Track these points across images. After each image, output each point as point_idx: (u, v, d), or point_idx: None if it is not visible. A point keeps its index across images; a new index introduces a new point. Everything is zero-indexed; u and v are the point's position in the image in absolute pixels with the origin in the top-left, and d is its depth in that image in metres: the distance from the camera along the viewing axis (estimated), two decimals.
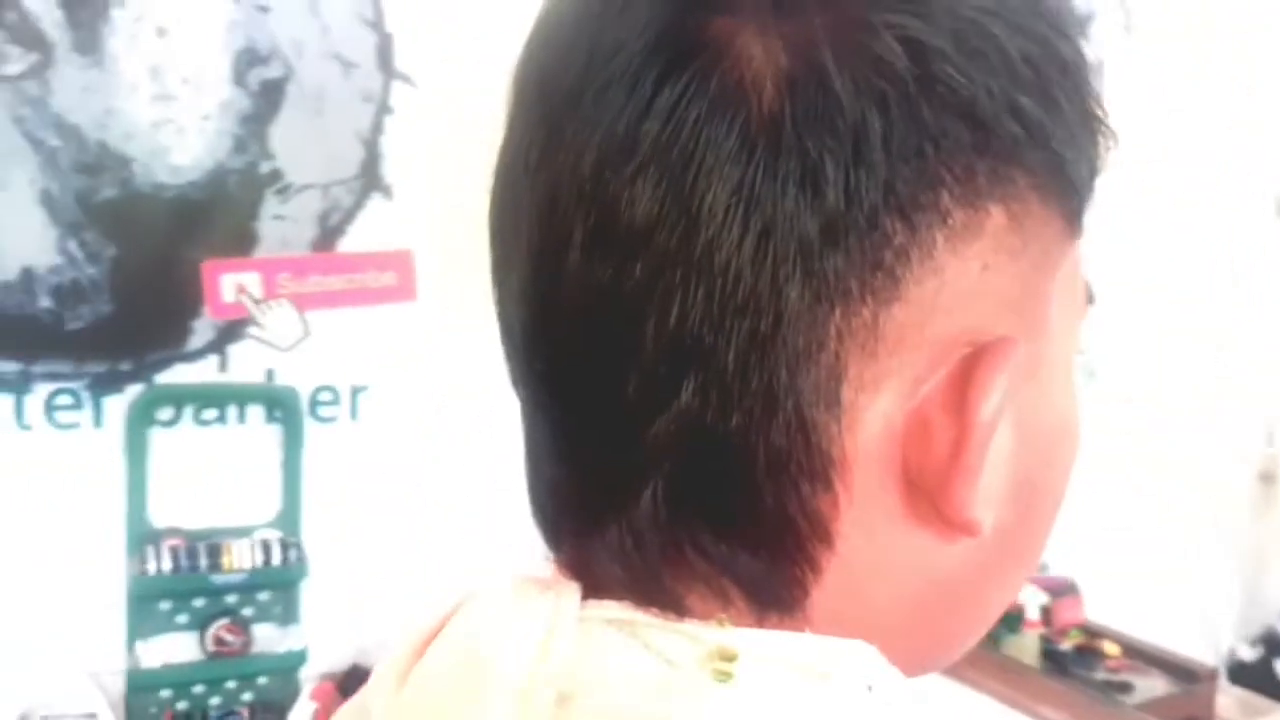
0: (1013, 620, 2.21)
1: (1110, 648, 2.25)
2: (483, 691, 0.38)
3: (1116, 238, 2.17)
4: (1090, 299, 0.47)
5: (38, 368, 1.85)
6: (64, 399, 1.87)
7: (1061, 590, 2.33)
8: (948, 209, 0.36)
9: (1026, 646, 2.17)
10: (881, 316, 0.36)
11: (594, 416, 0.39)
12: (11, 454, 1.83)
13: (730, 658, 0.37)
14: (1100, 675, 2.19)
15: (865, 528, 0.38)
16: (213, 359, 1.96)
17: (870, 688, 0.38)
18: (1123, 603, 2.35)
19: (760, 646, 0.37)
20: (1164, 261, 2.51)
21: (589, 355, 0.38)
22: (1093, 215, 0.42)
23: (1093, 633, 2.29)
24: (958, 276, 0.37)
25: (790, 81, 0.35)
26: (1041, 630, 2.20)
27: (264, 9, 1.93)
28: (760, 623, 0.39)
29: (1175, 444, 2.48)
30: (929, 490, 0.38)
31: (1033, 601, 2.19)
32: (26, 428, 1.85)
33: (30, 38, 1.78)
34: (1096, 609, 2.33)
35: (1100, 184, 0.44)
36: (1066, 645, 2.25)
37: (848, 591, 0.39)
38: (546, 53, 0.40)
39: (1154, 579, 2.40)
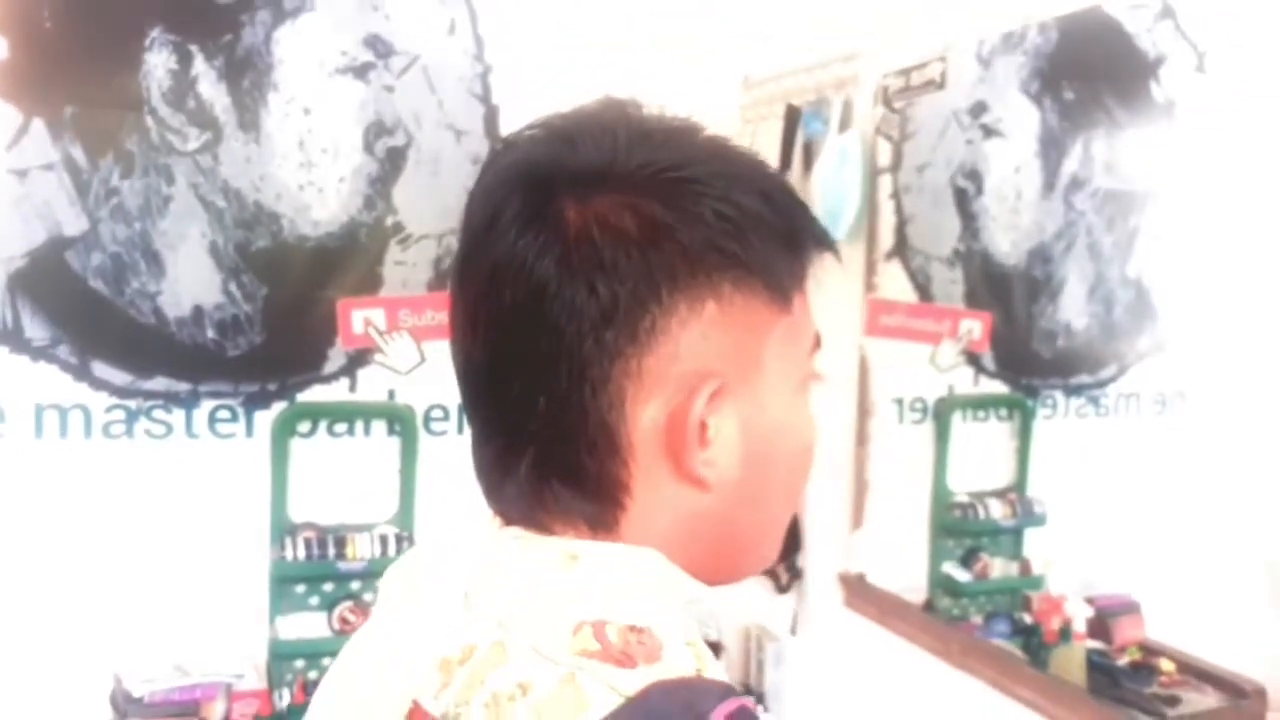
0: (1066, 632, 2.24)
1: (1166, 664, 2.25)
2: (435, 578, 0.65)
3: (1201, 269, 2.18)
4: (818, 344, 0.67)
5: (204, 387, 2.14)
6: (223, 414, 2.16)
7: (1123, 609, 2.34)
8: (676, 305, 0.60)
9: (1073, 657, 2.21)
10: (642, 363, 0.60)
11: (493, 422, 0.64)
12: (182, 458, 2.12)
13: (575, 556, 0.61)
14: (1151, 690, 2.19)
15: (650, 484, 0.62)
16: (344, 381, 2.22)
17: (662, 578, 0.61)
18: (1188, 623, 2.33)
19: (592, 550, 0.61)
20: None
21: (489, 387, 0.63)
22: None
23: (1152, 650, 2.29)
24: (688, 341, 0.60)
25: (580, 238, 0.59)
26: (1088, 643, 2.23)
27: (389, 88, 2.21)
28: (594, 538, 0.62)
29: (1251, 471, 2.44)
30: (680, 460, 0.61)
31: (1080, 615, 2.22)
32: (195, 436, 2.14)
33: (204, 120, 2.09)
34: (1163, 629, 2.33)
35: None
36: (1123, 661, 2.26)
37: (644, 521, 0.62)
38: (469, 214, 0.64)
39: (1218, 600, 2.37)
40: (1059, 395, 2.32)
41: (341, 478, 2.22)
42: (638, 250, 0.59)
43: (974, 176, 2.31)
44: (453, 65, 2.23)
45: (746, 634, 2.33)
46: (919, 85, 1.93)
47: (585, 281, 0.59)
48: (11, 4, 1.91)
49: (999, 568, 2.37)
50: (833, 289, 1.86)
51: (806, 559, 2.21)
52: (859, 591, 2.07)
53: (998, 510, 2.33)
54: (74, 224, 2.03)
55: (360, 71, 2.18)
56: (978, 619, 2.34)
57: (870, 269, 2.05)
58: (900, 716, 2.02)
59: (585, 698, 0.54)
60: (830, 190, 2.04)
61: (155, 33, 2.04)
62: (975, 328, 2.35)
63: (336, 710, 0.67)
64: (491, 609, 0.60)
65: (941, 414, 2.37)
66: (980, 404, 2.34)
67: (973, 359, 2.35)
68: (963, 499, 2.35)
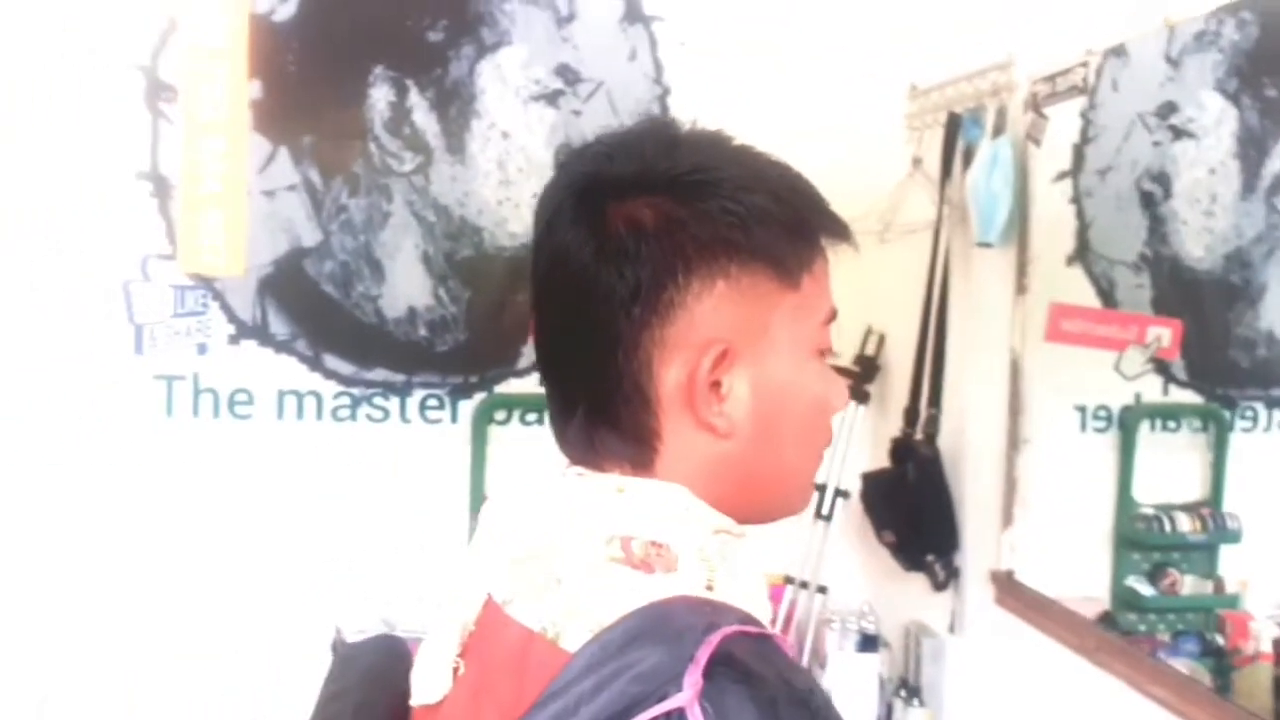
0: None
1: None
2: (515, 507, 0.75)
3: None
4: (835, 315, 0.74)
5: (416, 379, 2.36)
6: (432, 402, 2.37)
7: None
8: (689, 283, 0.68)
9: (1258, 679, 2.04)
10: (665, 333, 0.68)
11: (556, 383, 0.74)
12: (396, 440, 2.35)
13: (621, 489, 0.70)
14: None
15: (676, 432, 0.70)
16: (535, 375, 2.38)
17: (687, 508, 0.69)
18: None
19: (635, 484, 0.70)
20: None
21: (551, 354, 0.74)
22: None
23: None
24: (702, 314, 0.68)
25: (611, 232, 0.69)
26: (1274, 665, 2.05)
27: (577, 112, 2.36)
28: (635, 475, 0.71)
29: None
30: (697, 412, 0.70)
31: (1265, 634, 2.05)
32: (407, 421, 2.36)
33: (418, 145, 2.32)
34: None
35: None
36: None
37: (674, 462, 0.71)
38: (536, 218, 0.76)
39: None
40: (1260, 407, 2.15)
41: (532, 460, 2.36)
42: (656, 240, 0.68)
43: (1162, 179, 2.19)
44: (634, 88, 2.35)
45: (906, 630, 2.31)
46: (1064, 90, 1.87)
47: (616, 267, 0.68)
48: (264, 53, 2.20)
49: (1190, 585, 2.21)
50: (986, 290, 1.87)
51: (964, 558, 2.17)
52: (1008, 589, 2.01)
53: (1185, 524, 2.18)
54: (311, 236, 2.30)
55: (551, 98, 2.34)
56: (1165, 636, 2.20)
57: (1021, 271, 2.00)
58: (1042, 711, 1.95)
59: (607, 592, 0.64)
60: (982, 194, 2.01)
61: (377, 70, 2.29)
62: (1164, 335, 2.21)
63: (447, 606, 0.78)
64: (552, 525, 0.70)
65: (1127, 423, 2.25)
66: (1170, 414, 2.21)
67: (1161, 367, 2.22)
68: (1148, 511, 2.22)
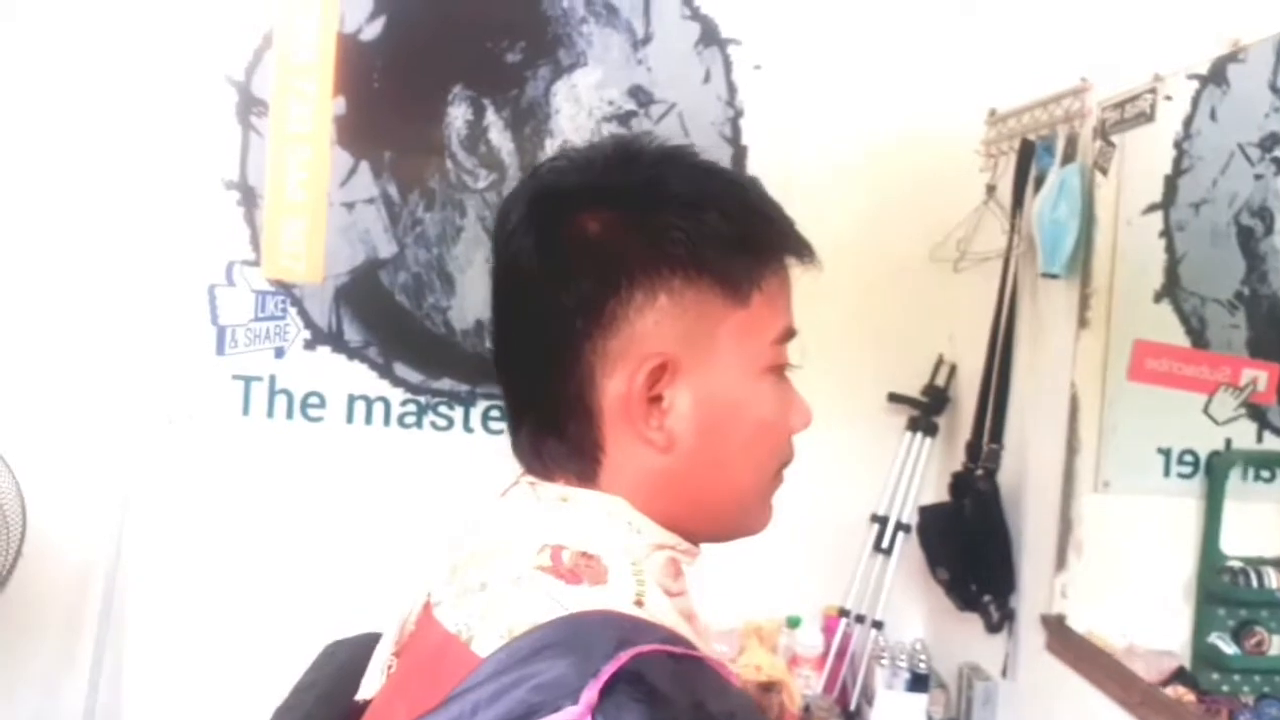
0: None
1: None
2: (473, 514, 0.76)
3: None
4: (791, 334, 0.72)
5: (480, 389, 2.38)
6: (495, 413, 2.37)
7: None
8: (631, 296, 0.67)
9: None
10: (608, 345, 0.68)
11: (508, 395, 0.75)
12: (459, 449, 2.38)
13: (565, 499, 0.70)
14: None
15: (619, 445, 0.70)
16: None
17: (629, 522, 0.69)
18: None
19: (579, 494, 0.70)
20: None
21: (501, 362, 0.75)
22: None
23: None
24: (644, 327, 0.68)
25: (557, 243, 0.69)
26: None
27: (648, 133, 2.37)
28: (581, 486, 0.71)
29: None
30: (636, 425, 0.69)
31: None
32: (470, 431, 2.38)
33: (492, 162, 2.35)
34: None
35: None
36: None
37: (617, 474, 0.70)
38: (496, 224, 0.75)
39: None
40: None
41: None
42: (600, 252, 0.68)
43: (1263, 214, 2.06)
44: (706, 110, 2.33)
45: (960, 671, 2.20)
46: (1131, 118, 1.77)
47: (560, 278, 0.68)
48: (349, 71, 2.28)
49: (1279, 645, 2.06)
50: (1050, 323, 1.78)
51: (1019, 600, 2.05)
52: (1058, 634, 1.89)
53: (1276, 580, 2.03)
54: (386, 248, 2.36)
55: (624, 119, 2.34)
56: (1248, 698, 2.05)
57: (1083, 304, 1.89)
58: None
59: (526, 600, 0.64)
60: (1046, 223, 1.91)
61: (456, 89, 2.34)
62: (1260, 378, 2.06)
63: (402, 603, 0.80)
64: (494, 532, 0.71)
65: (1215, 469, 2.10)
66: (1264, 462, 2.05)
67: (1256, 413, 2.07)
68: (1235, 564, 2.07)
